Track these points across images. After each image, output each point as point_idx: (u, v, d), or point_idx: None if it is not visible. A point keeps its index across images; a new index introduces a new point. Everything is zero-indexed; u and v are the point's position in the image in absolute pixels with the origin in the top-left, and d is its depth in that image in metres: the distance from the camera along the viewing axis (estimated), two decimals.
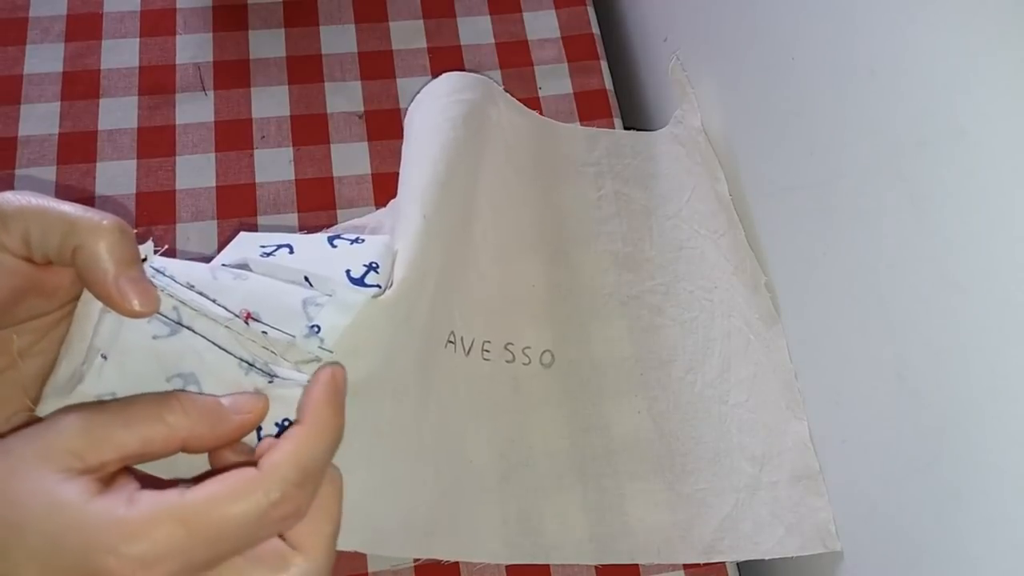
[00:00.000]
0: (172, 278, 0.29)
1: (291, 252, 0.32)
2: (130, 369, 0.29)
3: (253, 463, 0.26)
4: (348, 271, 0.31)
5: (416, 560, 0.41)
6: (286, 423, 0.29)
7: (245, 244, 0.33)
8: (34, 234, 0.27)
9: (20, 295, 0.28)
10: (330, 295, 0.31)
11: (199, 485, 0.25)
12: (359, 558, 0.41)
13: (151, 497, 0.24)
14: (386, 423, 0.34)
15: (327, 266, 0.31)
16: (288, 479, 0.25)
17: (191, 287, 0.29)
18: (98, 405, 0.26)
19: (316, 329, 0.30)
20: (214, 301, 0.29)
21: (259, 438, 0.29)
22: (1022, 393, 0.27)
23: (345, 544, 0.31)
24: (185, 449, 0.27)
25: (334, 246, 0.33)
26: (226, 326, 0.29)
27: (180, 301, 0.29)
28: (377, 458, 0.33)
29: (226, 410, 0.27)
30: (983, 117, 0.28)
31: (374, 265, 0.32)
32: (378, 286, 0.32)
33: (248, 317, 0.29)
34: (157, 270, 0.29)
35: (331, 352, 0.30)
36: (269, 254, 0.32)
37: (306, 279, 0.31)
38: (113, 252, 0.27)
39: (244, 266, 0.32)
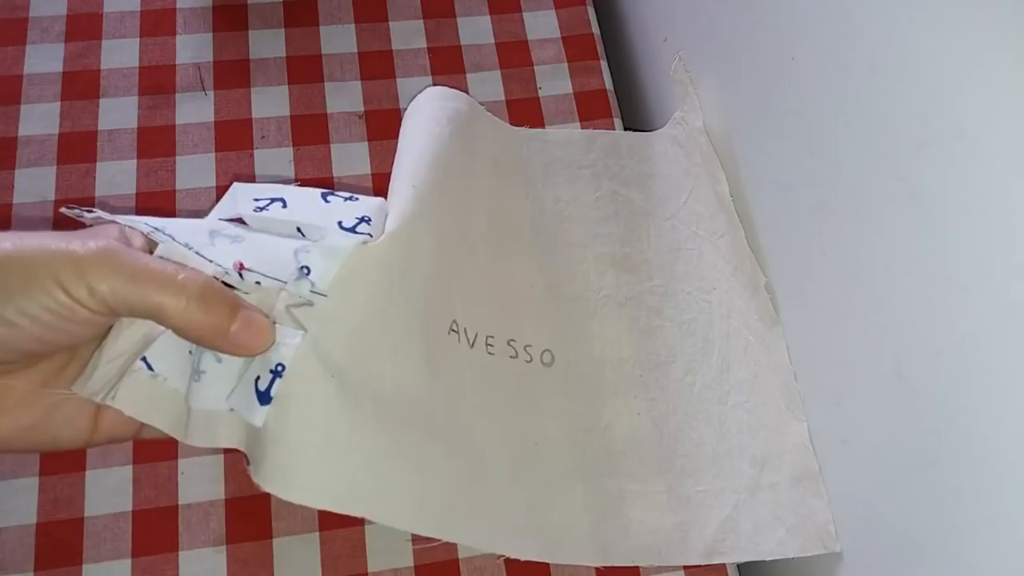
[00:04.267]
0: (171, 237, 0.30)
1: (284, 206, 0.32)
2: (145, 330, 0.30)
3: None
4: (340, 221, 0.31)
5: (418, 547, 0.41)
6: (280, 368, 0.29)
7: (239, 197, 0.33)
8: (118, 303, 0.27)
9: (87, 341, 0.29)
10: (319, 241, 0.31)
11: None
12: (359, 557, 0.41)
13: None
14: (389, 389, 0.33)
15: (319, 218, 0.31)
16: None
17: (188, 247, 0.29)
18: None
19: (306, 271, 0.30)
20: (211, 261, 0.29)
21: (256, 389, 0.29)
22: (1022, 393, 0.27)
23: (351, 509, 0.31)
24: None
25: (327, 201, 0.33)
26: (223, 281, 0.29)
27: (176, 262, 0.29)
28: (386, 424, 0.33)
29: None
30: (983, 117, 0.28)
31: (366, 218, 0.32)
32: (369, 235, 0.32)
33: (242, 268, 0.29)
34: (155, 228, 0.30)
35: (324, 295, 0.30)
36: (262, 208, 0.32)
37: (298, 230, 0.31)
38: (210, 313, 0.28)
39: (238, 220, 0.32)
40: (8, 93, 0.52)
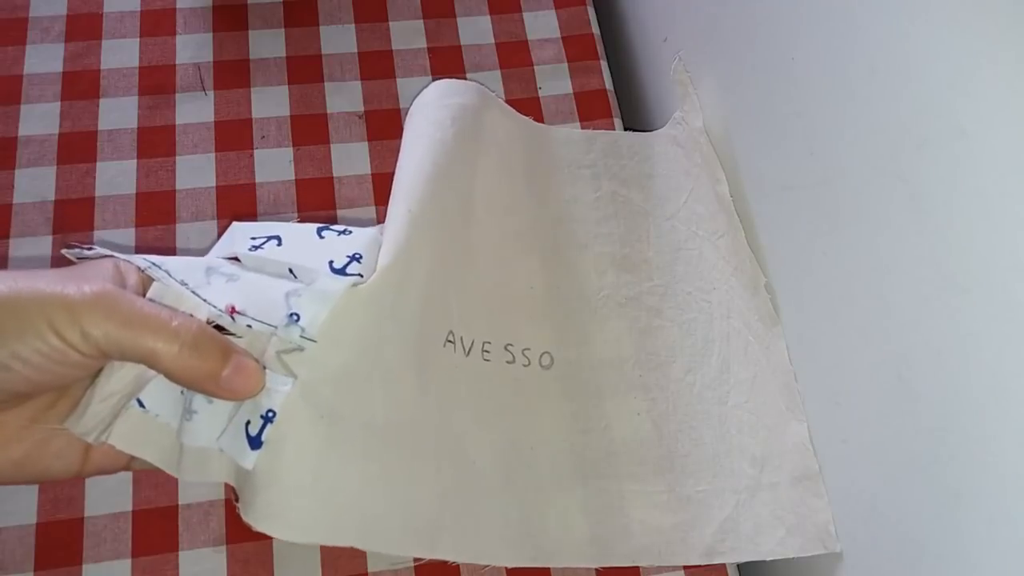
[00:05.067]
0: (168, 273, 0.30)
1: (279, 244, 0.32)
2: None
3: None
4: (331, 261, 0.32)
5: (416, 560, 0.41)
6: (270, 414, 0.29)
7: (237, 236, 0.33)
8: (111, 347, 0.27)
9: (79, 381, 0.29)
10: (310, 285, 0.31)
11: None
12: (359, 558, 0.41)
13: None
14: (380, 417, 0.33)
15: (311, 257, 0.32)
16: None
17: (184, 284, 0.30)
18: None
19: (295, 317, 0.30)
20: (205, 301, 0.29)
21: (247, 434, 0.30)
22: (1022, 393, 0.27)
23: (341, 540, 0.31)
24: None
25: (322, 237, 0.33)
26: (216, 323, 0.30)
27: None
28: (373, 452, 0.33)
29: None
30: (983, 117, 0.28)
31: (357, 256, 0.32)
32: (359, 275, 0.32)
33: (233, 311, 0.30)
34: (153, 264, 0.30)
35: (314, 341, 0.30)
36: (258, 247, 0.32)
37: (290, 271, 0.32)
38: (203, 359, 0.28)
39: (234, 259, 0.32)
40: (8, 93, 0.52)
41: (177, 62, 0.54)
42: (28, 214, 0.48)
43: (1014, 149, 0.27)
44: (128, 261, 0.30)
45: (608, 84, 0.56)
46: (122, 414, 0.30)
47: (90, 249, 0.30)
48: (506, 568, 0.42)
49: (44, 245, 0.48)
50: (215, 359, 0.28)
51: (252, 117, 0.53)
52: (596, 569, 0.41)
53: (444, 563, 0.41)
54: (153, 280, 0.30)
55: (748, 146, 0.44)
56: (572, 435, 0.43)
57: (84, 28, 0.54)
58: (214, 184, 0.50)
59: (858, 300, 0.35)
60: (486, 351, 0.41)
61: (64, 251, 0.31)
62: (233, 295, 0.30)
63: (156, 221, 0.49)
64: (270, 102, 0.53)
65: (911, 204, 0.31)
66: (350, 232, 0.34)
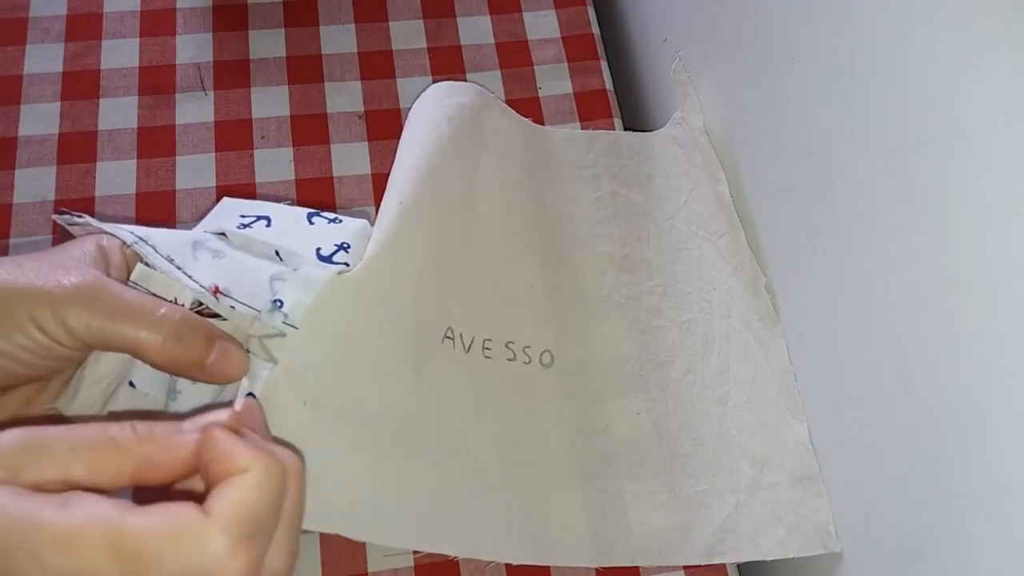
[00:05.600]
0: (154, 248, 0.30)
1: (268, 225, 0.32)
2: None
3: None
4: (318, 248, 0.32)
5: (416, 557, 0.41)
6: (250, 397, 0.30)
7: (226, 211, 0.33)
8: (94, 340, 0.27)
9: (58, 372, 0.29)
10: (295, 270, 0.31)
11: (144, 509, 0.21)
12: (359, 557, 0.41)
13: (89, 504, 0.21)
14: (373, 409, 0.33)
15: (299, 242, 0.32)
16: (234, 531, 0.21)
17: (171, 260, 0.30)
18: (48, 425, 0.24)
19: (279, 304, 0.30)
20: (190, 277, 0.29)
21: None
22: (1022, 393, 0.27)
23: (325, 527, 0.32)
24: (139, 480, 0.23)
25: (312, 223, 0.33)
26: (199, 302, 0.30)
27: (154, 268, 0.30)
28: (365, 443, 0.33)
29: (180, 434, 0.24)
30: (983, 117, 0.28)
31: (345, 245, 0.32)
32: (345, 264, 0.32)
33: (217, 292, 0.30)
34: (140, 238, 0.30)
35: (296, 328, 0.30)
36: (247, 225, 0.32)
37: (277, 253, 0.32)
38: (187, 348, 0.28)
39: (221, 235, 0.32)
40: (8, 93, 0.52)
41: (177, 62, 0.54)
42: (28, 214, 0.48)
43: (1014, 149, 0.27)
44: (114, 235, 0.30)
45: (608, 84, 0.56)
46: (114, 394, 0.30)
47: (80, 217, 0.30)
48: (506, 567, 0.42)
49: (44, 245, 0.48)
50: (199, 347, 0.28)
51: (252, 117, 0.53)
52: (596, 569, 0.41)
53: (444, 562, 0.41)
54: (138, 256, 0.30)
55: (748, 146, 0.44)
56: (572, 434, 0.43)
57: (84, 28, 0.54)
58: (214, 184, 0.50)
59: (858, 300, 0.35)
60: (487, 348, 0.41)
61: (54, 217, 0.31)
62: (218, 273, 0.30)
63: (156, 221, 0.49)
64: (270, 102, 0.53)
65: (911, 204, 0.31)
66: (340, 221, 0.34)
